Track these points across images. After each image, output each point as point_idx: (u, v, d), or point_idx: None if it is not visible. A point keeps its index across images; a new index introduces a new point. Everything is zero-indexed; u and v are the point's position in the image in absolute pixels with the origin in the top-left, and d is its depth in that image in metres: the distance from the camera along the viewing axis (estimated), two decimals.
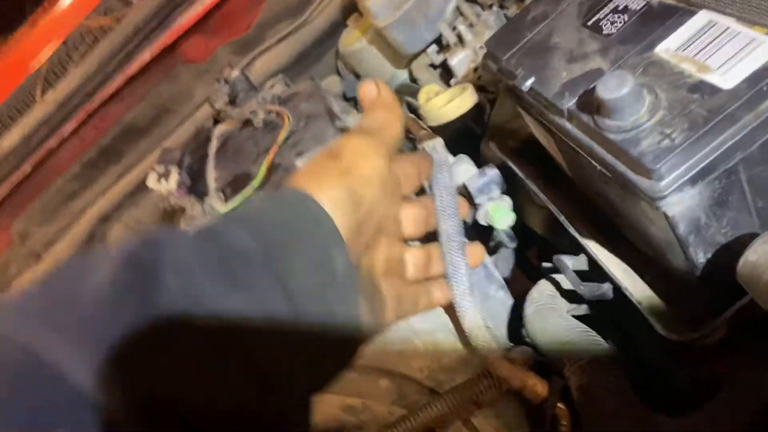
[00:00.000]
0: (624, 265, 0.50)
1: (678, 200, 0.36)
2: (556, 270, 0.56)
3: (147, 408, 0.28)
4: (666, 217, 0.37)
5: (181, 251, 0.32)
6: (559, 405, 0.46)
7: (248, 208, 0.38)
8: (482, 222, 0.57)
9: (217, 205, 0.56)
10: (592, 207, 0.53)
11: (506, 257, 0.72)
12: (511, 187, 0.68)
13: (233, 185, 0.59)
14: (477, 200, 0.57)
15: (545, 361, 0.51)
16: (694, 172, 0.35)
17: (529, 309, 0.53)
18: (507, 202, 0.58)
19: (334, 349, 0.37)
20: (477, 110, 0.74)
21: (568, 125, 0.43)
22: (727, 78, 0.36)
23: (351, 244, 0.37)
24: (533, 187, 0.57)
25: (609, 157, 0.39)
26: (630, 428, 0.43)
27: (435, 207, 0.49)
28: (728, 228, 0.40)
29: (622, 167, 0.38)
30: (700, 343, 0.43)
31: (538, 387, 0.47)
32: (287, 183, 0.39)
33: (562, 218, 0.52)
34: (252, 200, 0.39)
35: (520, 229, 0.73)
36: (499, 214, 0.56)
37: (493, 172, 0.58)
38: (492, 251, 0.69)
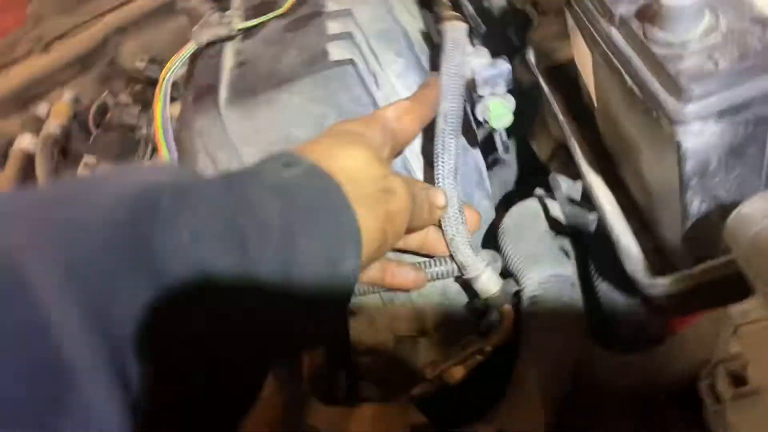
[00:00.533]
0: (616, 206, 0.49)
1: (697, 132, 0.35)
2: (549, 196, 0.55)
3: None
4: (678, 148, 0.36)
5: (203, 209, 0.32)
6: (507, 306, 0.46)
7: (285, 176, 0.38)
8: (479, 117, 0.52)
9: (236, 22, 0.54)
10: (605, 149, 0.51)
11: (503, 179, 0.71)
12: (533, 106, 0.66)
13: (257, 9, 0.56)
14: (480, 91, 0.52)
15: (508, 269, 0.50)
16: (726, 105, 0.33)
17: (508, 220, 0.52)
18: (510, 101, 0.53)
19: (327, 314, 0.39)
20: (522, 21, 0.71)
21: (616, 33, 0.40)
22: None
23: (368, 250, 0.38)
24: (555, 108, 0.55)
25: (645, 72, 0.37)
26: (568, 351, 0.43)
27: (440, 85, 0.47)
28: (733, 184, 0.39)
29: (654, 84, 0.36)
30: (664, 296, 0.43)
31: (491, 283, 0.47)
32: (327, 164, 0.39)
33: (571, 142, 0.51)
34: (290, 168, 0.38)
35: (526, 160, 0.72)
36: (499, 111, 0.52)
37: (504, 66, 0.53)
38: (490, 167, 0.67)
